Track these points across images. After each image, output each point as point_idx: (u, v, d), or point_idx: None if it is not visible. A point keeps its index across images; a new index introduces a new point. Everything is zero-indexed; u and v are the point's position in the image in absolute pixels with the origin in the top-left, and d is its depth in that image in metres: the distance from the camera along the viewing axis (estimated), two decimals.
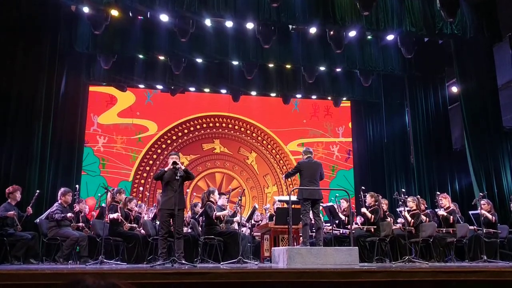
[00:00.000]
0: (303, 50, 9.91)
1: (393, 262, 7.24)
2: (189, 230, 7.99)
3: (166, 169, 5.89)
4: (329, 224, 8.27)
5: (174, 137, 11.84)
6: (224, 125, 12.17)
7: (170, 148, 11.66)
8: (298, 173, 6.53)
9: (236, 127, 12.22)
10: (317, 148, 12.58)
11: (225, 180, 11.89)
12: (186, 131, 11.93)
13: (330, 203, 8.31)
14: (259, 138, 12.31)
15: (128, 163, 11.59)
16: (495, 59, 9.43)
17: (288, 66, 10.76)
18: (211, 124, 12.11)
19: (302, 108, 12.88)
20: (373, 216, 7.74)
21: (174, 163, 5.73)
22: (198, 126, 12.02)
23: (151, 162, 11.60)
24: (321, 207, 6.83)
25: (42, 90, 8.73)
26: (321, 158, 12.37)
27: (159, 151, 11.69)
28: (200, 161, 11.86)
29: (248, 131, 12.29)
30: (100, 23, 8.46)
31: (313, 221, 6.68)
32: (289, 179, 11.42)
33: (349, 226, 7.38)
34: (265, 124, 12.55)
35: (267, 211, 9.60)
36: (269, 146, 12.32)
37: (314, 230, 6.61)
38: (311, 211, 6.40)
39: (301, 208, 6.36)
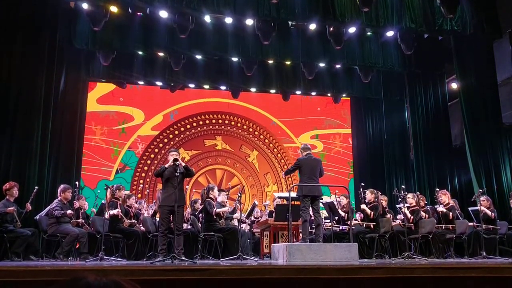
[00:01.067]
0: (302, 46, 9.90)
1: (393, 259, 7.25)
2: (189, 227, 8.00)
3: (166, 166, 5.89)
4: (328, 221, 8.28)
5: (176, 132, 11.70)
6: (226, 122, 12.05)
7: (172, 143, 11.51)
8: (298, 170, 6.54)
9: (239, 124, 12.09)
10: (333, 141, 11.70)
11: (226, 177, 11.84)
12: (188, 126, 11.81)
13: (330, 200, 8.32)
14: (261, 136, 12.11)
15: (109, 158, 10.50)
16: (495, 55, 9.41)
17: (288, 63, 10.74)
18: (213, 121, 11.99)
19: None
20: (372, 212, 7.76)
21: (175, 160, 5.74)
22: (200, 122, 11.90)
23: (152, 155, 11.41)
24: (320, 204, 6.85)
25: (42, 87, 8.72)
26: (338, 153, 11.90)
27: (160, 145, 11.52)
28: (201, 156, 11.77)
29: (251, 129, 12.09)
30: (99, 20, 8.45)
31: (312, 218, 6.69)
32: (290, 179, 11.29)
33: (348, 223, 7.39)
34: (273, 114, 11.74)
35: (266, 208, 9.60)
36: (271, 145, 12.13)
37: (314, 227, 6.62)
38: (310, 208, 6.41)
39: (300, 205, 6.38)
